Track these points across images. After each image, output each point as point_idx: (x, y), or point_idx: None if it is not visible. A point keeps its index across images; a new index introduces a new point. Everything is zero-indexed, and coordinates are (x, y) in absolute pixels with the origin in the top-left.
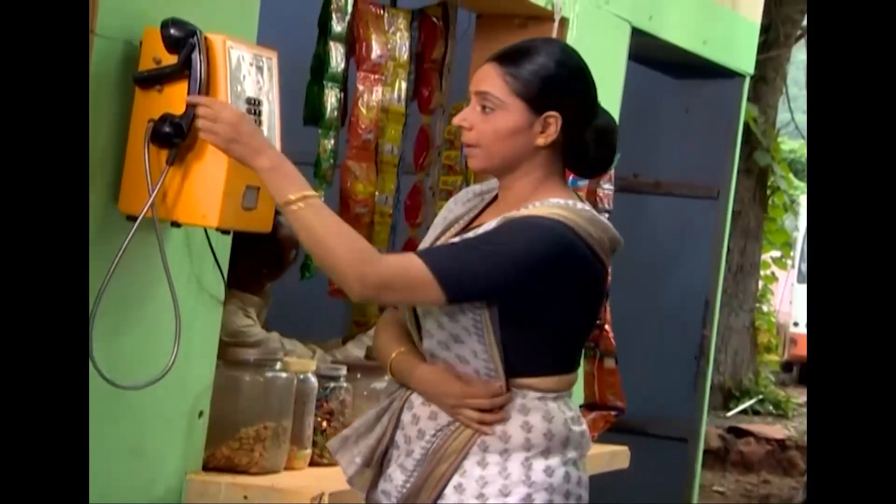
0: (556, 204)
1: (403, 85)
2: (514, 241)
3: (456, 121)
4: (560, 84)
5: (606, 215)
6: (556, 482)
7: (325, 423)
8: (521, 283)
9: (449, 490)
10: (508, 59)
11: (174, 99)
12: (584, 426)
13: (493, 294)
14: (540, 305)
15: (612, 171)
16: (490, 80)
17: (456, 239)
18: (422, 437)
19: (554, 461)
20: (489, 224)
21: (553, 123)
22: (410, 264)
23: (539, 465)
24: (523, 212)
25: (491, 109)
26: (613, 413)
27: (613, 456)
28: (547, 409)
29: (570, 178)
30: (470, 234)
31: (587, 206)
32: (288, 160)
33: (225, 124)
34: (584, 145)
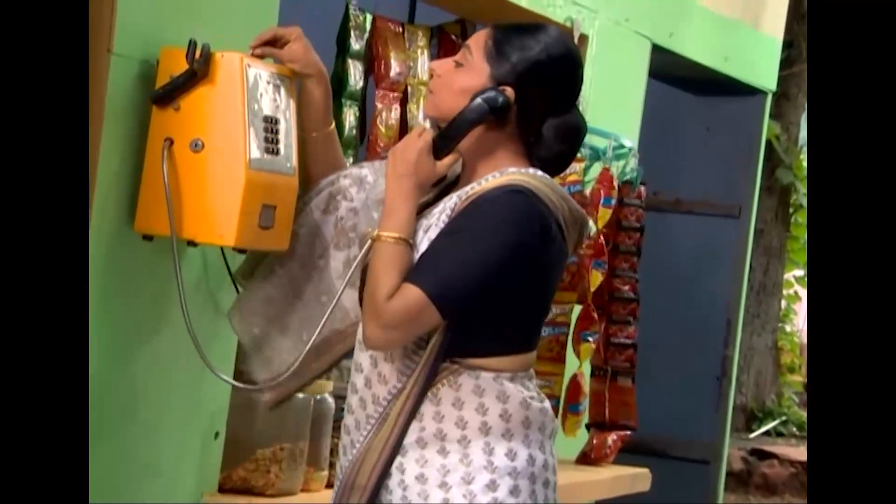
0: (515, 171)
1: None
2: (487, 235)
3: (432, 64)
4: (534, 68)
5: (638, 234)
6: (520, 465)
7: None
8: (500, 276)
9: (411, 480)
10: (504, 28)
11: (191, 117)
12: (546, 403)
13: (478, 297)
14: (503, 288)
15: (641, 188)
16: (476, 38)
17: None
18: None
19: (515, 444)
20: (448, 202)
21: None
22: (408, 297)
23: (501, 448)
24: (484, 185)
25: (460, 65)
26: (626, 433)
27: (634, 478)
28: (502, 389)
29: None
30: (433, 221)
31: (548, 176)
32: (414, 202)
33: (421, 140)
34: (539, 137)
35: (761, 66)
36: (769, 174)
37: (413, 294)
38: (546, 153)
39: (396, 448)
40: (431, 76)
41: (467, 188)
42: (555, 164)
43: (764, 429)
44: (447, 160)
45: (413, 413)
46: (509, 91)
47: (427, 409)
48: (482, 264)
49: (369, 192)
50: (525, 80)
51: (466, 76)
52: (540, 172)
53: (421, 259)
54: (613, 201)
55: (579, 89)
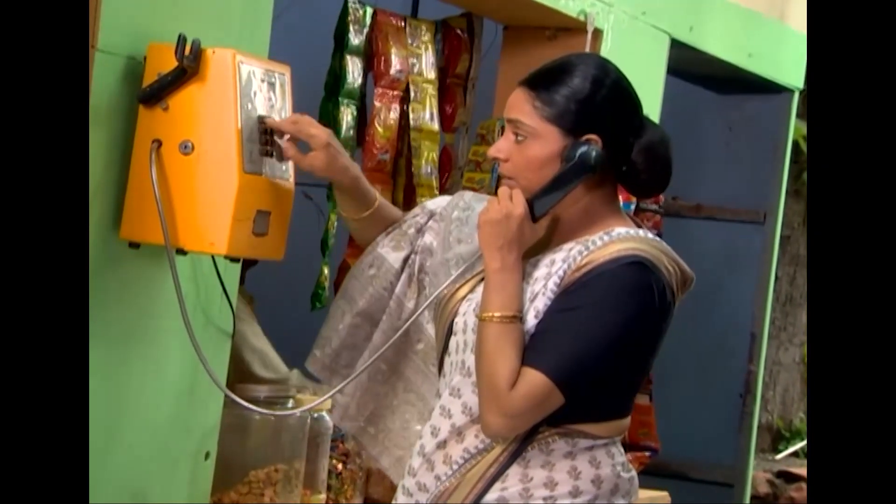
0: (624, 236)
1: (435, 102)
2: (607, 312)
3: (491, 153)
4: (596, 105)
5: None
6: None
7: (340, 466)
8: (620, 351)
9: None
10: (538, 82)
11: (181, 117)
12: (634, 472)
13: (599, 374)
14: (620, 362)
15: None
16: (519, 106)
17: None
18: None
19: None
20: (553, 266)
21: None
22: (533, 383)
23: None
24: (595, 252)
25: (523, 138)
26: (647, 454)
27: (652, 502)
28: (593, 455)
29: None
30: (539, 289)
31: (654, 235)
32: (520, 273)
33: (518, 206)
34: (632, 165)
35: (788, 62)
36: (796, 177)
37: (537, 380)
38: (646, 177)
39: None
40: (488, 163)
41: (573, 251)
42: (660, 184)
43: (791, 449)
44: (544, 220)
45: (497, 477)
46: (594, 138)
47: (513, 470)
48: (603, 343)
49: (441, 249)
50: (597, 119)
51: (539, 146)
52: (650, 235)
53: (539, 338)
54: (632, 207)
55: (636, 94)
